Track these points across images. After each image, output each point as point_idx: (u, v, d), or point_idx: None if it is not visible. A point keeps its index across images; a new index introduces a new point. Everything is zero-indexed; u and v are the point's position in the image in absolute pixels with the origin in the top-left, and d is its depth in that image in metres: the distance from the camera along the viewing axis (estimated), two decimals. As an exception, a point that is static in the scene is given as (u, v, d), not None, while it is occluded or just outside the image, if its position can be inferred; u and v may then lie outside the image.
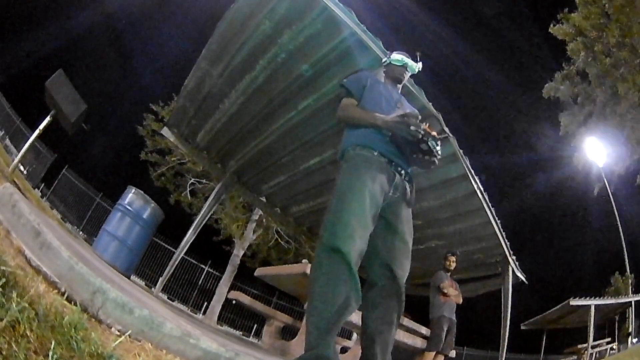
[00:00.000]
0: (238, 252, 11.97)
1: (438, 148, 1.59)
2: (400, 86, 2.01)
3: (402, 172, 1.63)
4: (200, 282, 13.65)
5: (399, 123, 1.57)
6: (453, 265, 4.32)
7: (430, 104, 3.32)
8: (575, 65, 9.78)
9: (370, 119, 1.66)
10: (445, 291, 4.11)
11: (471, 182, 3.96)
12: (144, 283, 11.40)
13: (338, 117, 1.81)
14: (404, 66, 1.95)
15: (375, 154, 1.59)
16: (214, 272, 13.67)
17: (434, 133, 1.59)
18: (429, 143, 1.56)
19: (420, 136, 1.54)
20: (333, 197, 1.50)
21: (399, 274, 1.50)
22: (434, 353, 3.97)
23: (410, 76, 2.04)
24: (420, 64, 2.00)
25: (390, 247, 1.53)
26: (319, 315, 1.29)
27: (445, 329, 4.03)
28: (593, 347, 9.57)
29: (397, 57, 1.97)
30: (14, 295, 0.76)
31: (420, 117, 1.64)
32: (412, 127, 1.53)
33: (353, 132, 1.72)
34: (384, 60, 2.07)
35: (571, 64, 9.92)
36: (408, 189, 1.65)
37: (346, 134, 1.77)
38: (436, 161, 1.61)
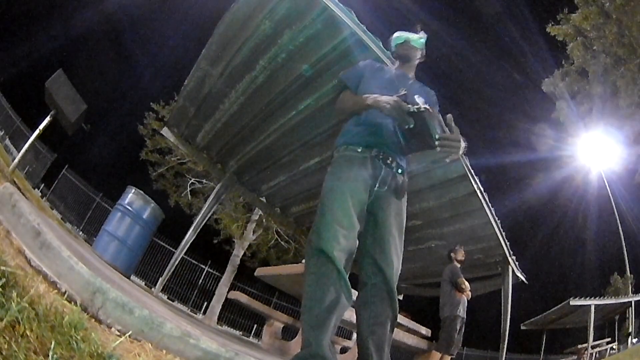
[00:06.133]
0: (238, 252, 11.98)
1: (438, 130, 1.43)
2: (411, 67, 1.87)
3: (392, 163, 1.57)
4: (200, 282, 13.65)
5: (389, 102, 1.50)
6: (464, 257, 4.16)
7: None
8: (574, 64, 9.78)
9: (360, 101, 1.63)
10: (463, 287, 3.88)
11: (471, 182, 3.96)
12: (144, 283, 11.40)
13: (336, 111, 1.79)
14: (407, 41, 1.84)
15: (359, 150, 1.55)
16: (214, 272, 13.66)
17: (432, 111, 1.42)
18: (427, 122, 1.41)
19: (414, 110, 1.41)
20: (319, 201, 1.50)
21: (388, 273, 1.46)
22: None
23: (422, 53, 1.89)
24: (423, 34, 1.86)
25: (380, 242, 1.50)
26: (309, 312, 1.30)
27: (458, 329, 3.82)
28: (593, 347, 9.57)
29: (396, 36, 1.87)
30: (14, 295, 0.76)
31: (426, 104, 1.48)
32: (401, 105, 1.45)
33: (343, 131, 1.70)
34: (390, 50, 1.96)
35: (570, 62, 9.91)
36: (399, 180, 1.59)
37: (340, 133, 1.73)
38: (435, 143, 1.43)
